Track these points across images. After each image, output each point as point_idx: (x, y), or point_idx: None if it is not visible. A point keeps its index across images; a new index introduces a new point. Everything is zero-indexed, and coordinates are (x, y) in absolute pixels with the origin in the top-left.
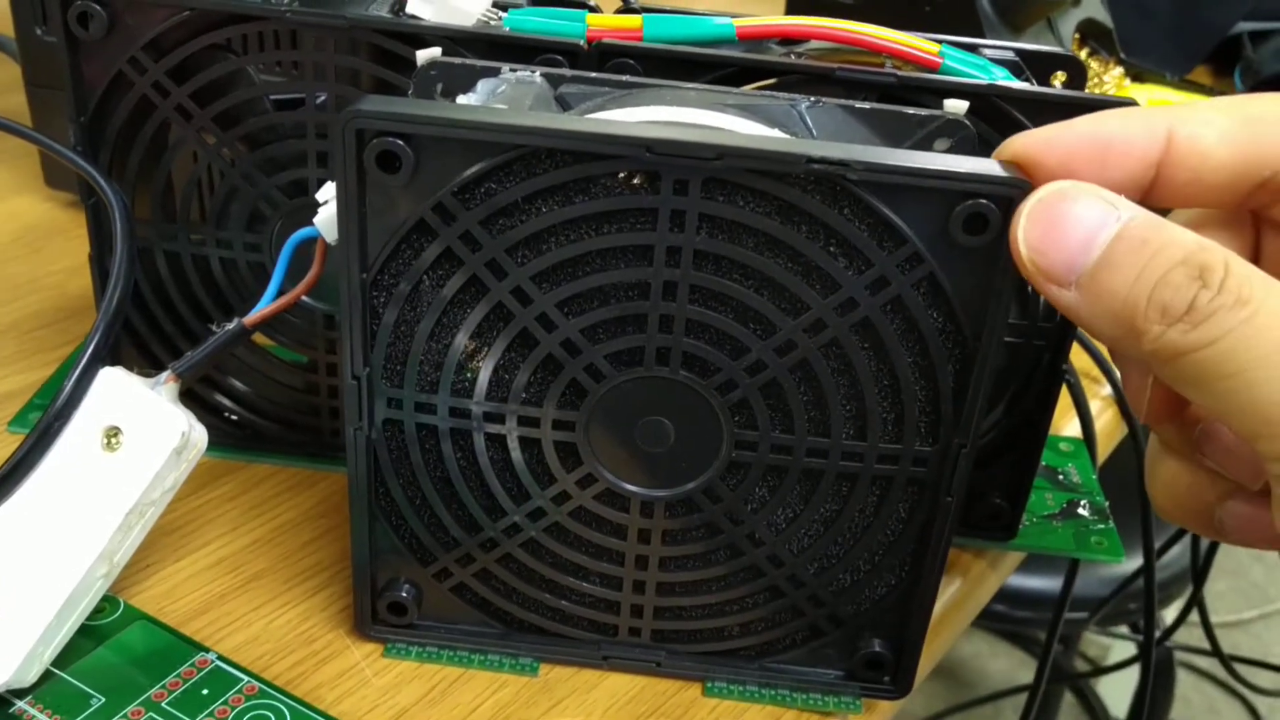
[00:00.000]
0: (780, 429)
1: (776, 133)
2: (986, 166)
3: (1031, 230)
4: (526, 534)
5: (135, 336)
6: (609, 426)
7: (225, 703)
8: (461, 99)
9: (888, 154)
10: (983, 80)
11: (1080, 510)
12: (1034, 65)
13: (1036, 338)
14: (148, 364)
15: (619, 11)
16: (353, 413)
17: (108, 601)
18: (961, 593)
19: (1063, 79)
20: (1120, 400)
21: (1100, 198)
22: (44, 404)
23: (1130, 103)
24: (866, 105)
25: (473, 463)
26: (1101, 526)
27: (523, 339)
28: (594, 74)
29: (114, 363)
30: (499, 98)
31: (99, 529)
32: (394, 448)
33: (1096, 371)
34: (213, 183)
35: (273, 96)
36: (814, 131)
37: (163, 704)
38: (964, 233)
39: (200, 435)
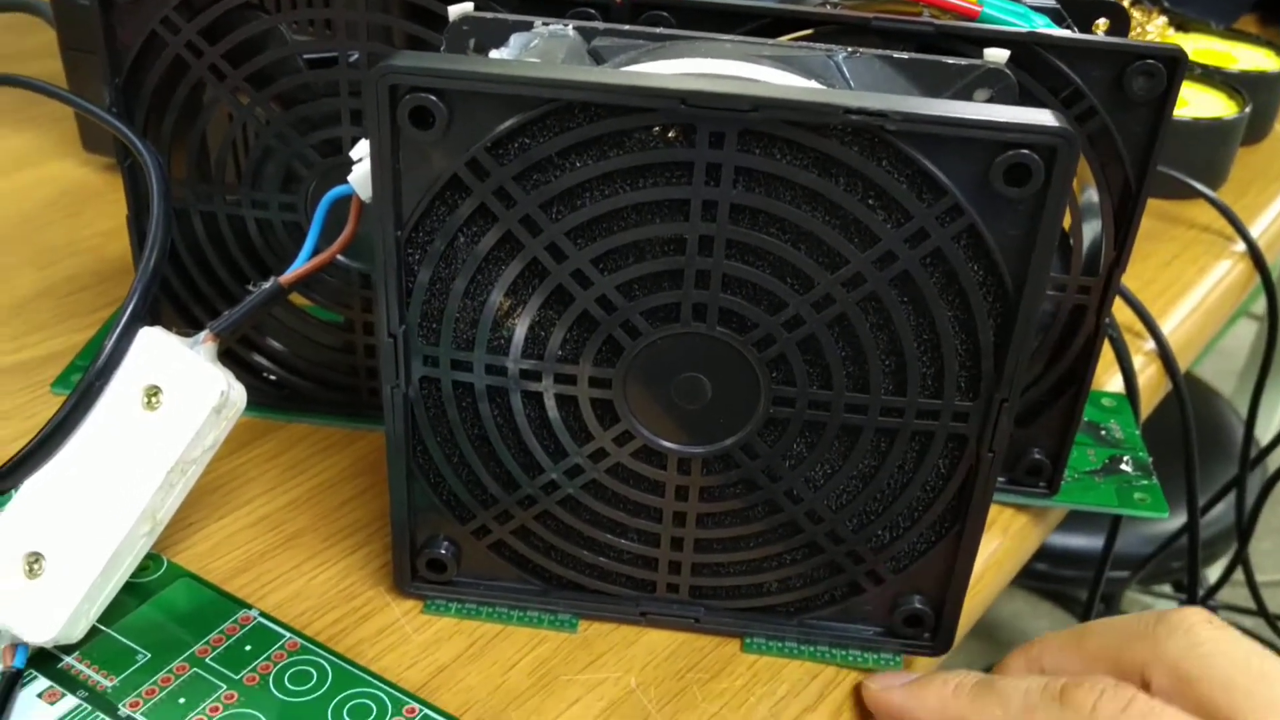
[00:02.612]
0: (818, 384)
1: (813, 84)
2: (1029, 115)
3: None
4: (564, 491)
5: (174, 297)
6: (645, 383)
7: (268, 658)
8: (494, 54)
9: (927, 104)
10: (1022, 29)
11: (1123, 466)
12: (1075, 12)
13: (1079, 291)
14: (186, 324)
15: None
16: (389, 371)
17: (151, 559)
18: (1002, 550)
19: (1105, 26)
20: (1163, 354)
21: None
22: (85, 365)
23: (1177, 50)
24: (905, 55)
25: (509, 420)
26: (1145, 482)
27: (558, 295)
28: (628, 26)
29: (153, 323)
30: (531, 51)
31: (141, 487)
32: (431, 405)
33: (1140, 326)
34: (247, 143)
35: (305, 55)
36: (851, 83)
37: (206, 659)
38: (1006, 183)
39: (239, 394)
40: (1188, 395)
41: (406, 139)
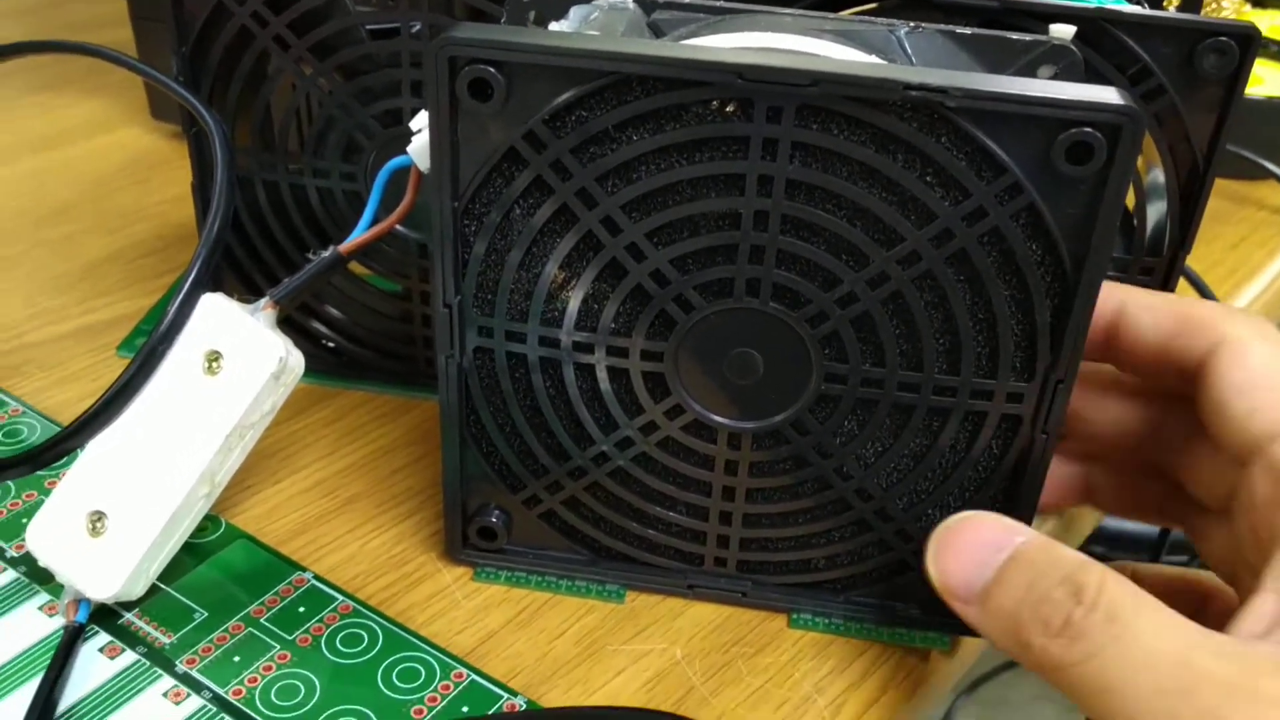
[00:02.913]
0: (871, 362)
1: (874, 59)
2: (1093, 93)
3: (939, 553)
4: (614, 463)
5: (236, 264)
6: (697, 358)
7: (320, 620)
8: (554, 26)
9: (988, 80)
10: (1089, 5)
11: None
12: None
13: (1142, 272)
14: (248, 291)
15: None
16: (444, 340)
17: (210, 521)
18: (1055, 532)
19: (1177, 1)
20: None
21: (1000, 524)
22: (149, 329)
23: (1250, 28)
24: (968, 31)
25: (562, 391)
26: None
27: (612, 269)
28: (685, 0)
29: (216, 289)
30: (591, 24)
31: (201, 450)
32: (485, 375)
33: None
34: (311, 113)
35: (368, 26)
36: (913, 58)
37: (261, 620)
38: (1067, 162)
39: (297, 360)
40: None
41: (465, 110)
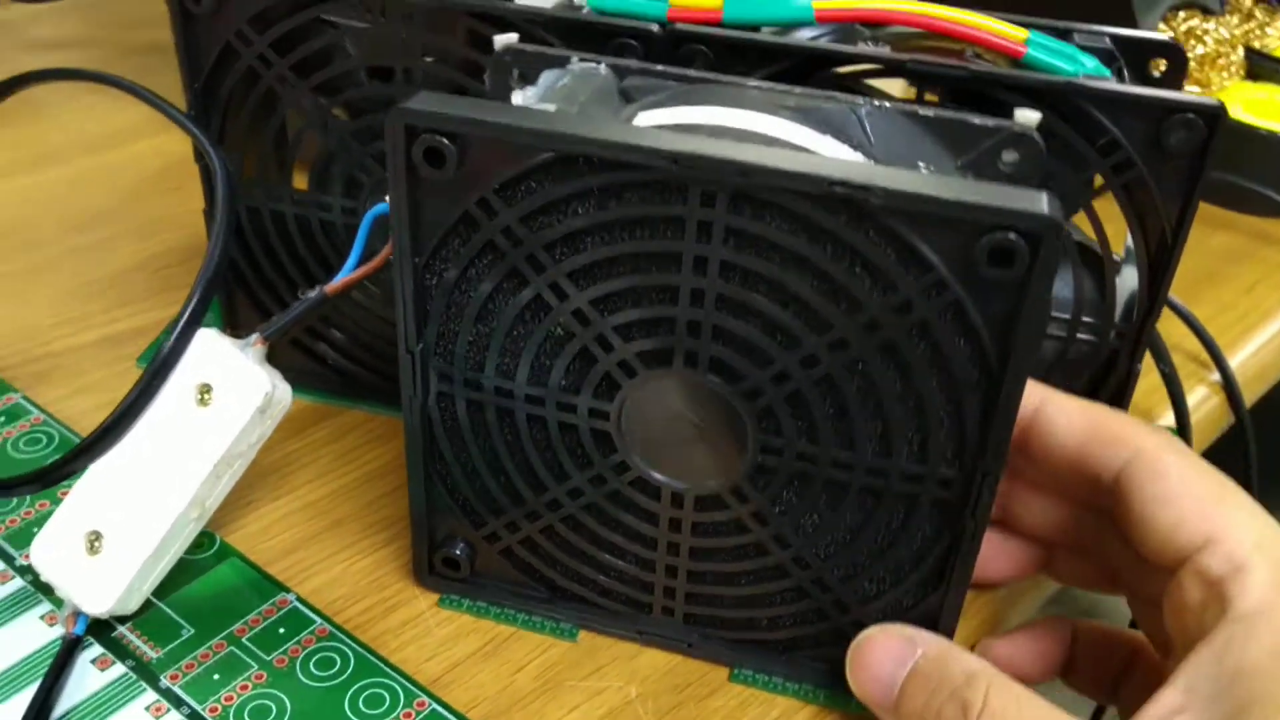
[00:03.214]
0: (806, 439)
1: (829, 139)
2: (1017, 199)
3: (853, 668)
4: (567, 510)
5: (246, 287)
6: (642, 419)
7: (298, 642)
8: (516, 94)
9: (913, 180)
10: (1059, 78)
11: None
12: (1131, 52)
13: (1111, 339)
14: (258, 312)
15: None
16: (407, 383)
17: (206, 537)
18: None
19: (1163, 66)
20: (1228, 386)
21: (902, 639)
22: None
23: (1216, 105)
24: (930, 113)
25: (517, 439)
26: None
27: (557, 333)
28: (660, 67)
29: (229, 311)
30: (560, 90)
31: (190, 478)
32: (447, 418)
33: (1205, 356)
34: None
35: (368, 66)
36: (871, 138)
37: (243, 639)
38: (989, 264)
39: (284, 394)
40: (1251, 428)
41: (422, 175)
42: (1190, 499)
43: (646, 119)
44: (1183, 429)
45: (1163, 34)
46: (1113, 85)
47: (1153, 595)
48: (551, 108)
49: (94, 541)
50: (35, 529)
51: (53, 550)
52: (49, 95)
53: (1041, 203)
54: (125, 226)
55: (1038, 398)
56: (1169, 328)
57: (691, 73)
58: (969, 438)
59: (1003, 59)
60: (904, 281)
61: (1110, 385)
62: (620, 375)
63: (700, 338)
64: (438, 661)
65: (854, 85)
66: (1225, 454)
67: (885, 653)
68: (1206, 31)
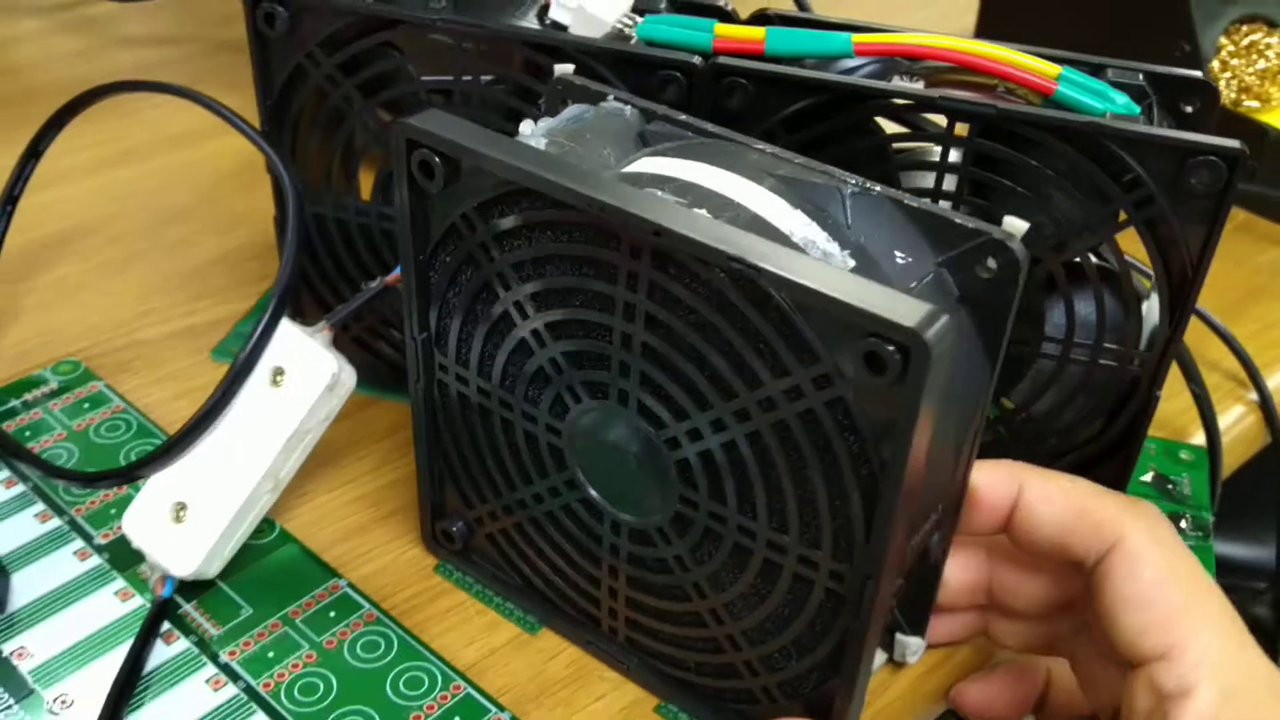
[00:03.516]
0: (715, 498)
1: (799, 215)
2: (893, 307)
3: None
4: (531, 511)
5: (312, 287)
6: (589, 443)
7: (347, 625)
8: (525, 125)
9: (807, 269)
10: (1083, 117)
11: (1182, 524)
12: (1164, 89)
13: (1132, 364)
14: (322, 309)
15: (748, 21)
16: (413, 367)
17: (268, 524)
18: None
19: (1194, 105)
20: (1264, 405)
21: None
22: (243, 332)
23: (1238, 149)
24: (916, 203)
25: (492, 435)
26: (1194, 544)
27: (522, 347)
28: (683, 117)
29: (296, 306)
30: (567, 127)
31: (265, 451)
32: (444, 405)
33: (1244, 375)
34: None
35: (429, 88)
36: (849, 219)
37: (296, 620)
38: (866, 368)
39: (349, 375)
40: None
41: (420, 184)
42: (1159, 607)
43: (645, 165)
44: (1213, 448)
45: (1195, 72)
46: (1136, 126)
47: (1104, 680)
48: (543, 142)
49: (179, 511)
50: (113, 510)
51: (142, 520)
52: (132, 94)
53: (916, 315)
54: (204, 223)
55: (1017, 483)
56: (1207, 344)
57: (710, 127)
58: (856, 537)
59: (1035, 95)
60: (795, 368)
61: (1132, 408)
62: (569, 398)
63: (630, 379)
64: (475, 648)
65: (903, 118)
66: (1260, 473)
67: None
68: (1269, 46)
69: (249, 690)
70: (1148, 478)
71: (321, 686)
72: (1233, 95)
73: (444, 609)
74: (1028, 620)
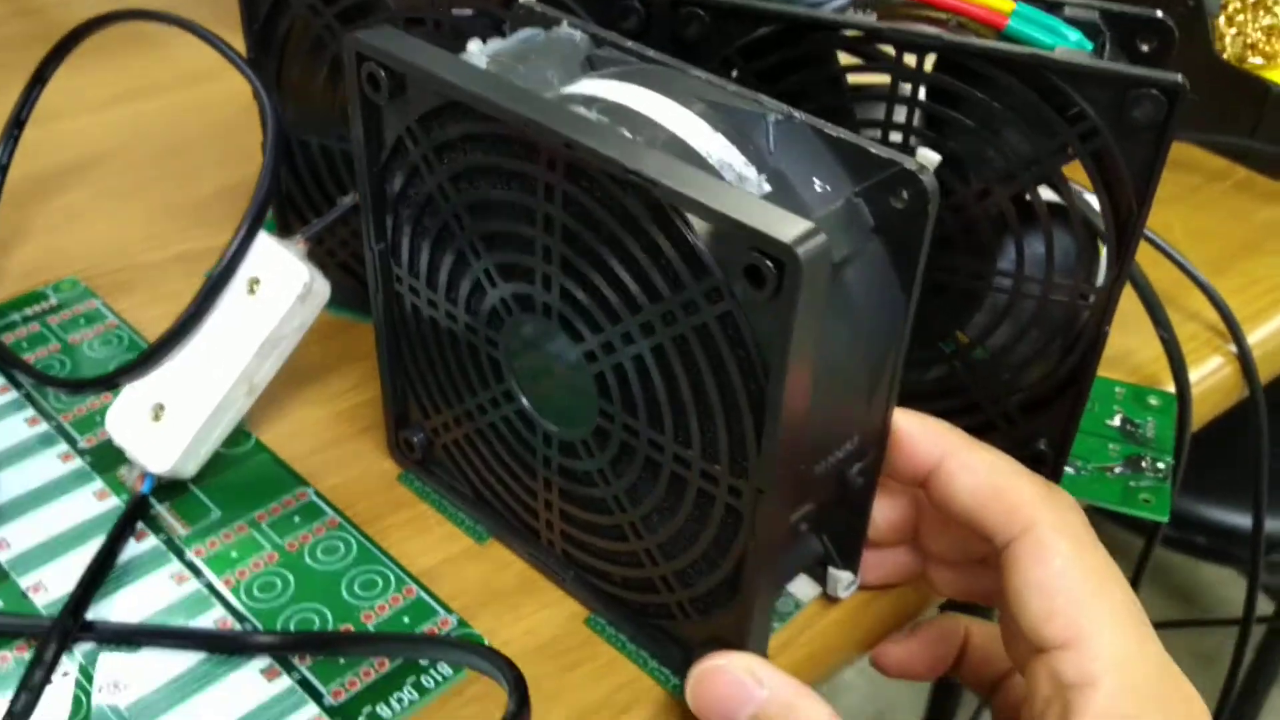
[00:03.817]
0: (628, 411)
1: (720, 138)
2: (774, 222)
3: (694, 698)
4: (477, 423)
5: (295, 206)
6: (521, 356)
7: (310, 530)
8: (473, 43)
9: (697, 183)
10: (1026, 50)
11: (1142, 465)
12: (1120, 26)
13: (1082, 298)
14: (302, 225)
15: None
16: (372, 279)
17: (243, 434)
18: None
19: (1150, 44)
20: (1243, 358)
21: (747, 674)
22: None
23: (1177, 81)
24: (835, 133)
25: (441, 345)
26: (1151, 483)
27: (461, 259)
28: (629, 44)
29: (283, 226)
30: (512, 49)
31: (240, 355)
32: (402, 317)
33: (1223, 327)
34: None
35: (406, 16)
36: (772, 146)
37: (262, 524)
38: (747, 282)
39: (322, 286)
40: (1264, 402)
41: (369, 96)
42: (1064, 595)
43: (582, 87)
44: (1182, 393)
45: (1152, 11)
46: (1077, 59)
47: (1019, 652)
48: (485, 61)
49: (158, 411)
50: (97, 418)
51: (123, 419)
52: (157, 31)
53: (793, 232)
54: (211, 156)
55: (942, 448)
56: (1190, 296)
57: (651, 53)
58: (749, 452)
59: (989, 30)
60: (690, 282)
61: (1082, 344)
62: (503, 310)
63: (551, 292)
64: (431, 556)
65: (859, 50)
66: (1237, 427)
67: (727, 688)
68: (1277, 2)
69: (209, 586)
70: (1115, 421)
71: (279, 584)
72: (1237, 51)
73: (405, 519)
74: (959, 569)
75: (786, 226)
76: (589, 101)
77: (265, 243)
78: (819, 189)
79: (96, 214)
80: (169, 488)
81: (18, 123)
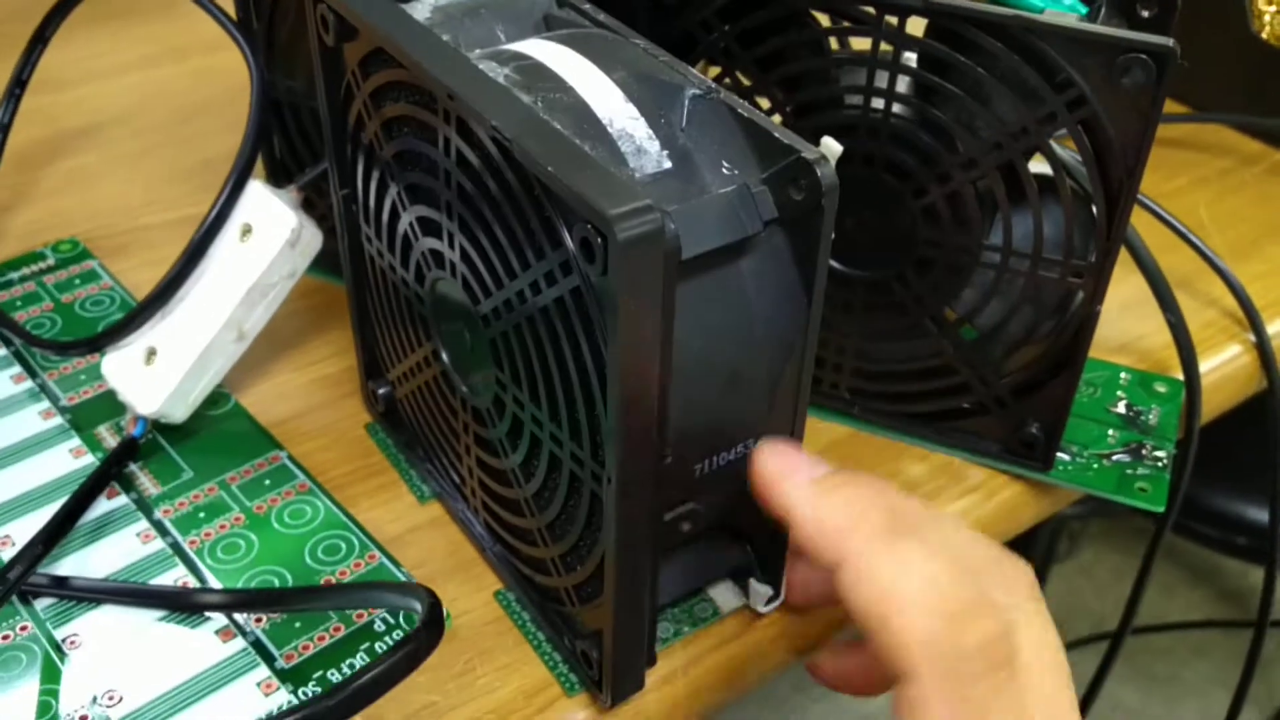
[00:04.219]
0: (515, 384)
1: (630, 108)
2: (609, 195)
3: (764, 463)
4: (418, 379)
5: (285, 168)
6: (440, 315)
7: (279, 493)
8: None
9: (561, 151)
10: (1010, 12)
11: (1142, 453)
12: None
13: (1074, 275)
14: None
15: None
16: (339, 223)
17: (222, 396)
18: (983, 515)
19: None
20: (1261, 347)
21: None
22: None
23: (1166, 46)
24: (745, 113)
25: (392, 300)
26: (1151, 473)
27: (394, 210)
28: (587, 6)
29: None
30: (460, 3)
31: (227, 300)
32: (367, 267)
33: (1242, 314)
34: None
35: None
36: (685, 120)
37: (233, 486)
38: (582, 258)
39: (312, 235)
40: None
41: (323, 40)
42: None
43: (520, 45)
44: (1190, 379)
45: None
46: (1062, 21)
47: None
48: (428, 9)
49: (151, 355)
50: (83, 376)
51: (118, 363)
52: None
53: (621, 206)
54: (223, 121)
55: (842, 554)
56: (1210, 281)
57: (603, 17)
58: (600, 439)
59: None
60: (549, 252)
61: (1072, 324)
62: (425, 265)
63: (455, 249)
64: (399, 524)
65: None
66: (1254, 417)
67: (795, 457)
68: None
69: (175, 546)
70: (1119, 408)
71: (243, 546)
72: (1277, 30)
73: (375, 486)
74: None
75: (614, 201)
76: (515, 58)
77: (258, 191)
78: (725, 171)
79: (103, 176)
80: (146, 447)
81: (19, 82)
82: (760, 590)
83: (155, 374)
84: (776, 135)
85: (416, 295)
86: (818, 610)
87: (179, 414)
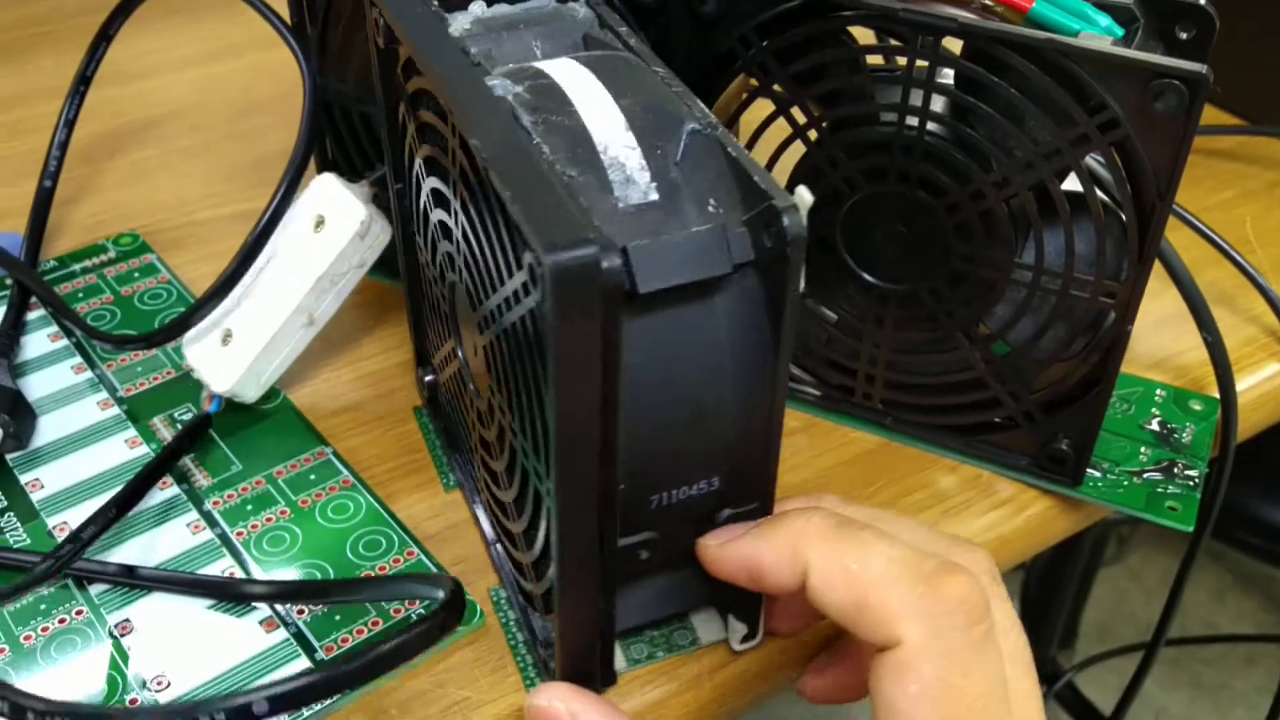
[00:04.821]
0: (499, 390)
1: (629, 137)
2: (553, 229)
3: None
4: (447, 372)
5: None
6: (460, 316)
7: (323, 489)
8: (495, 8)
9: (518, 173)
10: (1042, 35)
11: (1174, 471)
12: (1157, 12)
13: (1105, 295)
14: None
15: None
16: (395, 218)
17: (274, 391)
18: (1012, 528)
19: (1189, 32)
20: None
21: (561, 702)
22: None
23: (1199, 72)
24: (733, 152)
25: (429, 294)
26: (1182, 492)
27: (424, 210)
28: (623, 27)
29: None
30: (529, 14)
31: (300, 286)
32: (417, 258)
33: None
34: None
35: None
36: (680, 154)
37: (279, 480)
38: (531, 284)
39: (381, 227)
40: None
41: (375, 39)
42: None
43: (546, 63)
44: (1226, 399)
45: None
46: (1096, 46)
47: None
48: (467, 23)
49: (226, 337)
50: (139, 369)
51: (198, 343)
52: None
53: (561, 239)
54: (279, 117)
55: (800, 570)
56: (1251, 298)
57: (635, 43)
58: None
59: (1014, 13)
60: (515, 272)
61: (1103, 341)
62: (447, 266)
63: (460, 256)
64: (439, 521)
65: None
66: None
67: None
68: None
69: (223, 536)
70: (1153, 425)
71: (288, 539)
72: None
73: (416, 484)
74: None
75: (554, 232)
76: (531, 76)
77: (331, 184)
78: (710, 209)
79: (163, 170)
80: (200, 441)
81: (84, 79)
82: (737, 628)
83: (230, 355)
84: (756, 179)
85: (441, 295)
86: (792, 649)
87: (250, 394)
